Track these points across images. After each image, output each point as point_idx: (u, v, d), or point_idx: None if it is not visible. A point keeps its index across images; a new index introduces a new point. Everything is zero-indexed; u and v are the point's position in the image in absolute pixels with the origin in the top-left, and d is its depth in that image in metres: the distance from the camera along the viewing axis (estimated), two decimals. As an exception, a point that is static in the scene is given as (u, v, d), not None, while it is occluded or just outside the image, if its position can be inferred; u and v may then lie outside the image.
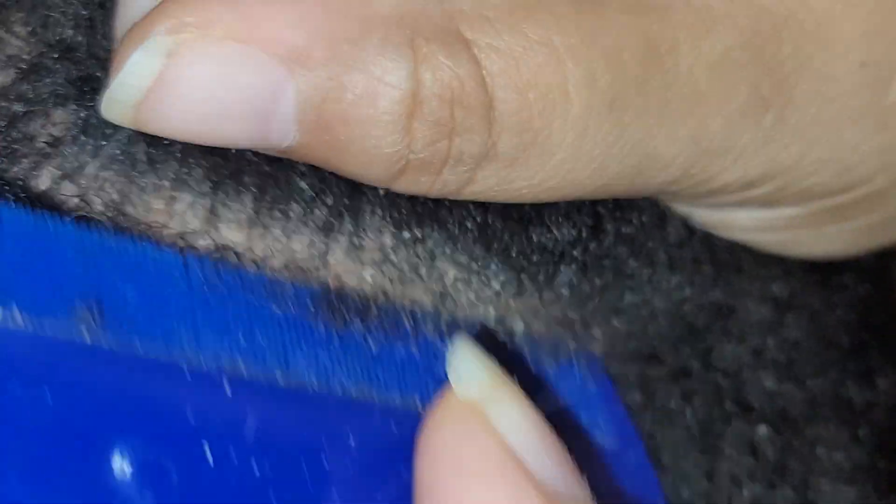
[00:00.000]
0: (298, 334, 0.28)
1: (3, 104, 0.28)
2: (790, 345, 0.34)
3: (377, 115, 0.26)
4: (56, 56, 0.28)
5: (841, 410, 0.34)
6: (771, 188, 0.30)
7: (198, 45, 0.25)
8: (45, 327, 0.25)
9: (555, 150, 0.27)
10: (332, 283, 0.29)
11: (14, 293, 0.25)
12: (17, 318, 0.25)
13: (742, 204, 0.31)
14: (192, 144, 0.28)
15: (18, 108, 0.28)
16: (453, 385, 0.27)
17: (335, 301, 0.28)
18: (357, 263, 0.29)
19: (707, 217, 0.32)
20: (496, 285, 0.31)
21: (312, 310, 0.28)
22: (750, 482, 0.32)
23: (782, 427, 0.33)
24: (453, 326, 0.30)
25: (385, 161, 0.26)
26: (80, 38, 0.28)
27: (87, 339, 0.25)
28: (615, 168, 0.28)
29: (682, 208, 0.33)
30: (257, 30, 0.25)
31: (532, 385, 0.28)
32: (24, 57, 0.28)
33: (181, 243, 0.28)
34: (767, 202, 0.31)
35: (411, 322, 0.29)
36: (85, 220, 0.27)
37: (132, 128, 0.26)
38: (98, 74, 0.28)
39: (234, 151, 0.28)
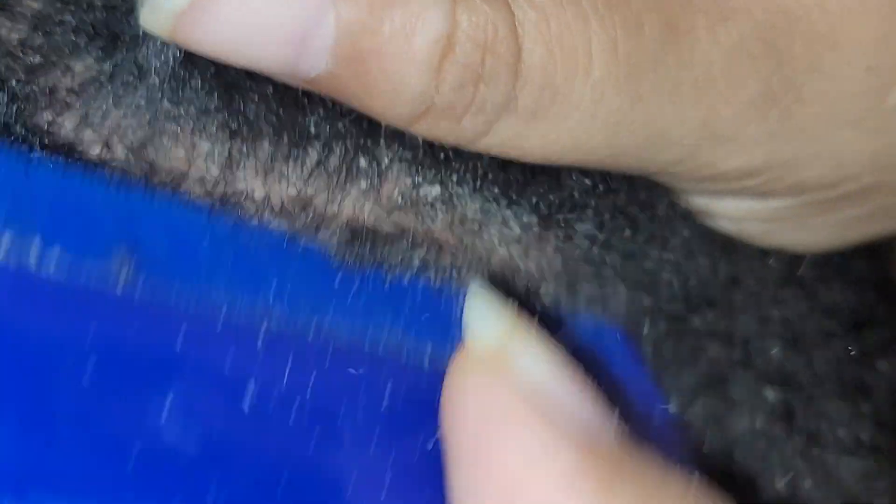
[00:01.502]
0: (324, 285, 0.28)
1: (21, 56, 0.28)
2: (791, 319, 0.35)
3: (412, 51, 0.26)
4: (71, 7, 0.29)
5: (843, 387, 0.35)
6: (766, 179, 0.31)
7: None
8: (82, 273, 0.25)
9: (571, 111, 0.28)
10: (349, 224, 0.30)
11: (58, 239, 0.25)
12: (57, 263, 0.25)
13: (736, 193, 0.32)
14: (210, 92, 0.29)
15: (36, 59, 0.28)
16: (468, 337, 0.27)
17: (355, 241, 0.29)
18: (375, 205, 0.30)
19: (697, 204, 0.33)
20: (516, 228, 0.31)
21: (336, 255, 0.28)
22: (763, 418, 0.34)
23: (789, 395, 0.34)
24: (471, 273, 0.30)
25: (411, 100, 0.27)
26: None
27: (122, 286, 0.26)
28: (625, 139, 0.29)
29: (684, 197, 0.33)
30: None
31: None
32: (36, 7, 0.28)
33: (199, 190, 0.29)
34: (760, 193, 0.32)
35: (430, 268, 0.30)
36: (112, 169, 0.28)
37: (168, 39, 0.27)
38: (113, 24, 0.29)
39: (250, 98, 0.29)
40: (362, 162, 0.30)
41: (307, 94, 0.29)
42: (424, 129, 0.28)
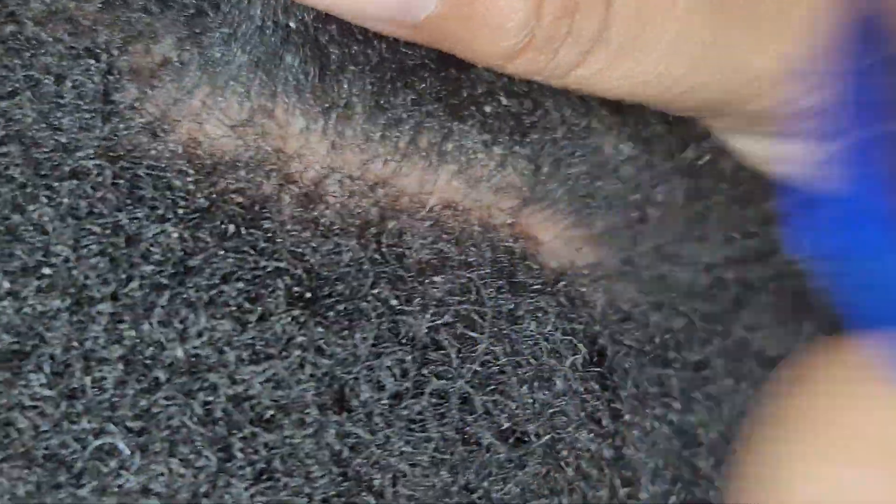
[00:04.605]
0: None
1: (101, 32, 0.29)
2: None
3: None
4: None
5: None
6: None
7: None
8: None
9: (658, 41, 0.29)
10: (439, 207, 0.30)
11: None
12: None
13: (814, 134, 0.32)
14: (302, 70, 0.29)
15: (114, 37, 0.29)
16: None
17: None
18: (464, 184, 0.30)
19: (771, 150, 0.34)
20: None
21: None
22: None
23: None
24: None
25: (514, 34, 0.28)
26: None
27: None
28: (707, 70, 0.30)
29: (745, 142, 0.34)
30: None
31: None
32: None
33: (297, 166, 0.29)
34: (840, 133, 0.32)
35: None
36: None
37: None
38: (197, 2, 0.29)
39: (342, 76, 0.29)
40: (450, 145, 0.30)
41: (398, 76, 0.30)
42: (523, 64, 0.29)
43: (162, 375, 0.26)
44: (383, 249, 0.29)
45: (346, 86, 0.29)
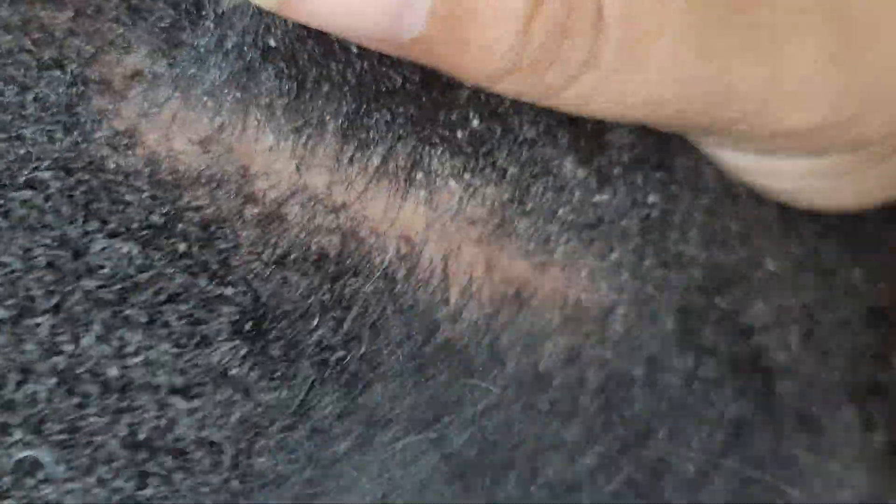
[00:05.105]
0: None
1: (70, 43, 0.29)
2: (808, 305, 0.33)
3: (504, 9, 0.28)
4: None
5: (856, 392, 0.33)
6: (831, 135, 0.32)
7: None
8: None
9: (647, 65, 0.29)
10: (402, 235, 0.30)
11: None
12: None
13: (795, 150, 0.32)
14: (277, 83, 0.29)
15: (85, 47, 0.29)
16: None
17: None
18: (430, 211, 0.30)
19: (756, 165, 0.33)
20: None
21: None
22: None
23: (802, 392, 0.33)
24: None
25: (501, 57, 0.28)
26: None
27: None
28: (695, 92, 0.30)
29: (733, 156, 0.33)
30: None
31: None
32: None
33: (264, 185, 0.29)
34: (820, 149, 0.32)
35: None
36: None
37: (275, 11, 0.28)
38: (172, 15, 0.29)
39: (316, 94, 0.29)
40: (419, 174, 0.30)
41: (374, 97, 0.29)
42: (509, 85, 0.29)
43: (94, 391, 0.27)
44: (335, 289, 0.28)
45: (320, 104, 0.29)
